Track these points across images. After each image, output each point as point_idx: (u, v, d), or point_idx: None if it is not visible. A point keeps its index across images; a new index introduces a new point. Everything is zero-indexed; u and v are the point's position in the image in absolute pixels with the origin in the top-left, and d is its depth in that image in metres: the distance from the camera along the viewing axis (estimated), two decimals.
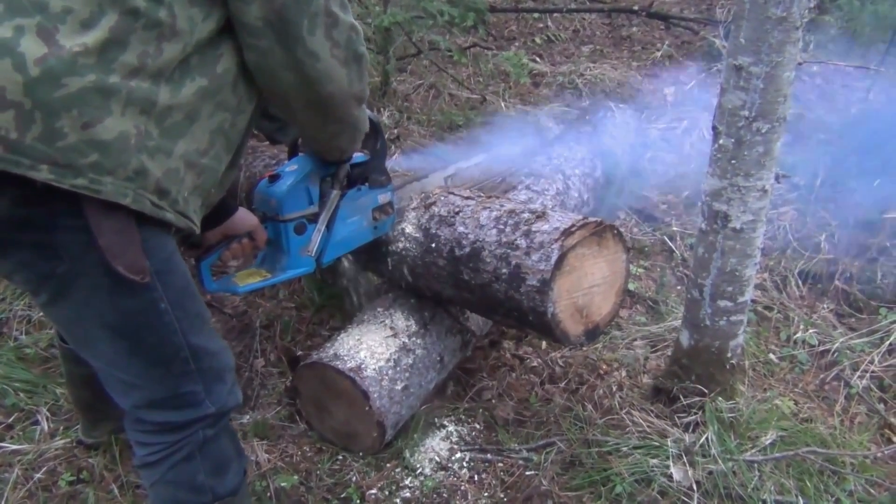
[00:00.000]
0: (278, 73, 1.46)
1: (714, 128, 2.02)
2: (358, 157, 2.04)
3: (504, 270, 2.03)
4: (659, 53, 5.50)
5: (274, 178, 1.92)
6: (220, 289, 1.90)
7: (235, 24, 1.40)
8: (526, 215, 2.10)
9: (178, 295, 1.44)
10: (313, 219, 1.97)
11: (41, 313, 2.61)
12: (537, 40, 5.63)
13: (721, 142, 2.00)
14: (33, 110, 1.16)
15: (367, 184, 2.09)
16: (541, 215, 2.08)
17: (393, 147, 3.97)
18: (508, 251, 2.04)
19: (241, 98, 1.48)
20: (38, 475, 2.11)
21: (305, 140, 1.89)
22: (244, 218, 1.83)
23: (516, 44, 5.55)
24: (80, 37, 1.19)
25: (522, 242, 2.03)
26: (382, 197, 2.16)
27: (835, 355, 2.70)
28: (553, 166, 3.21)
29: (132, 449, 1.61)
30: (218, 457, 1.60)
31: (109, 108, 1.22)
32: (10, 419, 2.32)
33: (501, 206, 2.19)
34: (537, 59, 5.39)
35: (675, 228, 3.47)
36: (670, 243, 3.39)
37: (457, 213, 2.21)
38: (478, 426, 2.40)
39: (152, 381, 1.48)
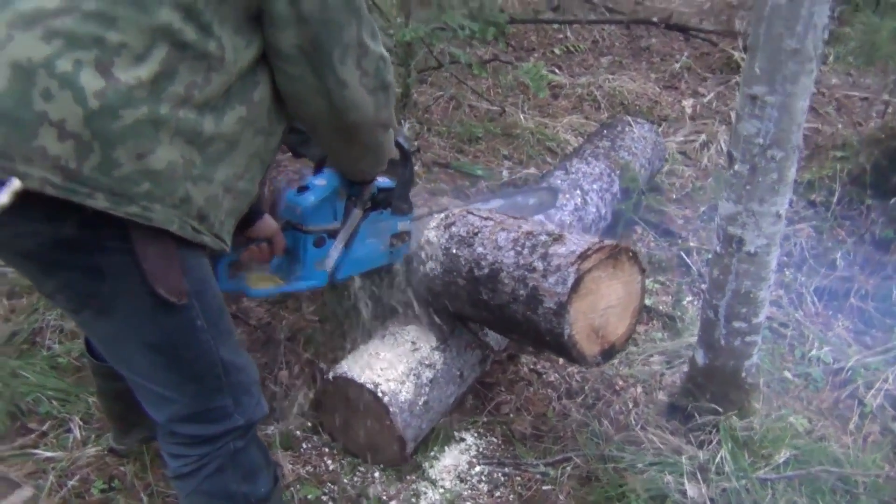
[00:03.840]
0: (308, 98, 1.52)
1: (729, 154, 2.07)
2: (385, 182, 2.09)
3: (522, 292, 2.09)
4: (678, 65, 5.54)
5: (302, 189, 1.97)
6: (232, 288, 1.92)
7: (269, 50, 1.45)
8: (543, 238, 2.16)
9: (212, 313, 1.50)
10: (333, 234, 2.01)
11: (73, 323, 2.69)
12: (556, 51, 5.68)
13: (736, 168, 2.05)
14: (91, 141, 1.22)
15: (389, 209, 2.14)
16: (557, 238, 2.13)
17: (414, 159, 4.04)
18: (526, 273, 2.10)
19: (273, 122, 1.54)
20: (71, 482, 2.18)
21: (331, 161, 1.94)
22: (267, 224, 1.89)
23: (535, 55, 5.60)
24: (134, 70, 1.25)
25: (540, 265, 2.08)
26: (402, 224, 2.21)
27: (849, 373, 2.73)
28: (571, 181, 3.26)
29: (164, 460, 1.68)
30: (248, 466, 1.66)
31: (160, 139, 1.28)
32: (44, 427, 2.39)
33: (519, 227, 2.25)
34: (556, 70, 5.43)
35: (692, 244, 3.51)
36: (687, 258, 3.43)
37: (475, 234, 2.27)
38: (496, 440, 2.46)
39: (186, 395, 1.54)
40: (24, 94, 1.20)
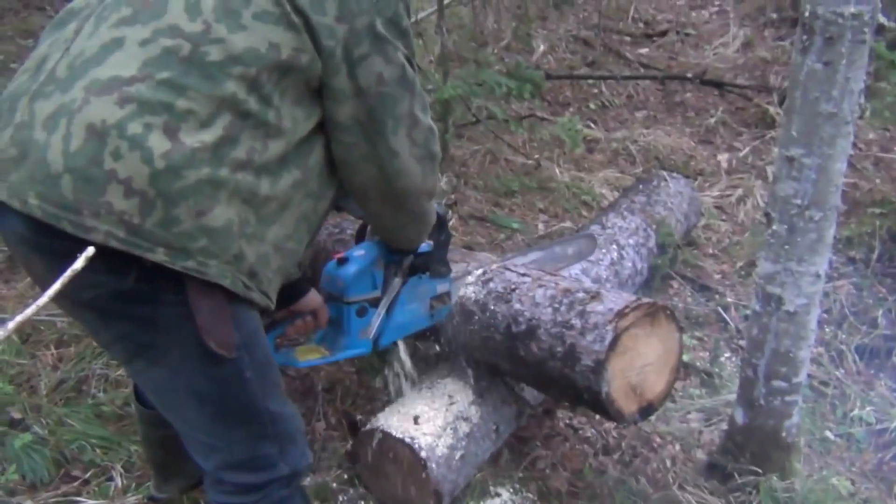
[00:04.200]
0: (360, 165, 1.59)
1: (767, 214, 2.09)
2: (423, 246, 2.14)
3: (559, 349, 2.11)
4: (713, 120, 5.55)
5: (342, 262, 2.03)
6: (280, 361, 1.98)
7: (327, 120, 1.53)
8: (581, 295, 2.18)
9: (260, 365, 1.55)
10: (375, 303, 2.06)
11: (118, 372, 2.75)
12: (591, 106, 5.74)
13: (774, 228, 2.06)
14: (155, 199, 1.29)
15: (427, 273, 2.17)
16: (595, 296, 2.15)
17: (450, 212, 4.10)
18: (563, 330, 2.11)
19: (323, 187, 1.60)
20: None
21: (376, 229, 2.00)
22: (312, 298, 1.95)
23: (571, 109, 5.66)
24: (198, 134, 1.33)
25: (577, 322, 2.10)
26: (441, 287, 2.24)
27: (893, 434, 2.68)
28: (607, 236, 3.28)
29: None
30: None
31: (218, 198, 1.35)
32: (87, 475, 2.43)
33: (556, 284, 2.27)
34: (591, 124, 5.49)
35: (729, 299, 3.49)
36: (724, 314, 3.41)
37: (513, 290, 2.30)
38: (531, 496, 2.44)
39: (233, 443, 1.57)
40: (96, 153, 1.28)
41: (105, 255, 1.29)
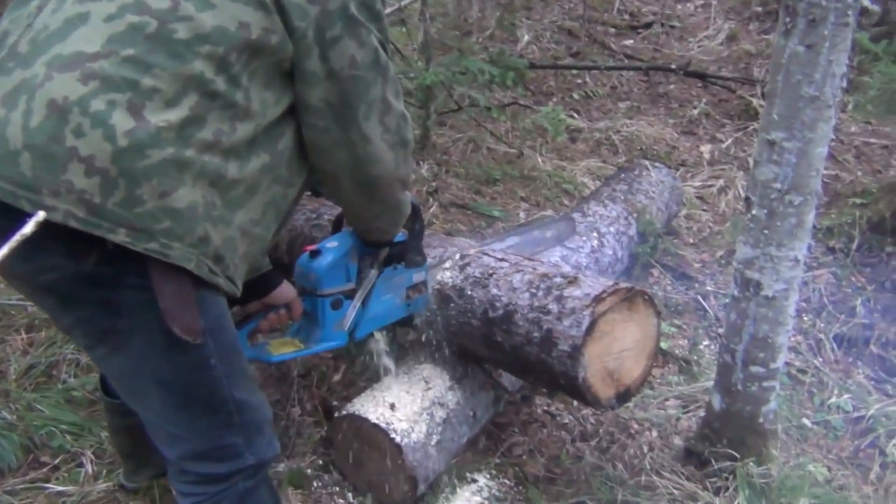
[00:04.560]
0: (332, 151, 1.57)
1: (747, 198, 2.07)
2: (398, 236, 2.11)
3: (536, 334, 2.08)
4: (696, 111, 5.55)
5: (315, 254, 2.00)
6: (254, 356, 1.96)
7: (299, 104, 1.51)
8: (558, 280, 2.16)
9: (226, 352, 1.51)
10: (349, 295, 2.04)
11: (89, 357, 2.70)
12: (575, 96, 5.72)
13: (754, 212, 2.05)
14: (118, 178, 1.25)
15: (403, 263, 2.15)
16: (572, 280, 2.13)
17: (431, 199, 4.07)
18: (540, 315, 2.09)
19: (293, 173, 1.58)
20: None
21: (350, 220, 1.97)
22: (285, 290, 1.91)
23: (554, 99, 5.65)
24: (163, 113, 1.29)
25: (554, 307, 2.08)
26: (417, 276, 2.22)
27: (870, 422, 2.69)
28: (588, 224, 3.26)
29: (174, 496, 1.68)
30: None
31: (183, 179, 1.31)
32: (57, 461, 2.39)
33: (534, 269, 2.25)
34: (574, 114, 5.47)
35: (708, 288, 3.49)
36: (703, 302, 3.40)
37: (490, 275, 2.27)
38: (508, 482, 2.43)
39: (198, 433, 1.54)
40: (56, 130, 1.24)
41: (65, 236, 1.26)
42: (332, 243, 2.03)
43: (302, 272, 2.01)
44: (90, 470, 2.36)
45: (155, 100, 1.29)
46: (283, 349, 1.99)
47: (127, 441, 2.14)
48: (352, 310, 2.03)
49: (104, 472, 2.36)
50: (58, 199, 1.24)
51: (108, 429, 2.22)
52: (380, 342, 2.49)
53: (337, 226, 2.18)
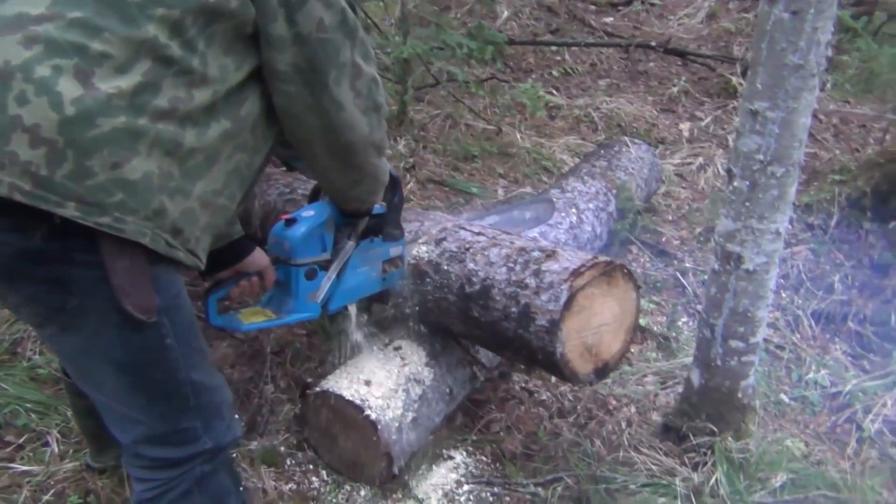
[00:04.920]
0: (304, 117, 1.51)
1: (729, 170, 2.04)
2: (375, 208, 2.06)
3: (513, 309, 2.04)
4: (675, 89, 5.53)
5: (290, 223, 1.94)
6: (223, 324, 1.90)
7: (266, 70, 1.44)
8: (536, 254, 2.12)
9: (183, 331, 1.45)
10: (325, 266, 1.98)
11: (39, 337, 2.63)
12: (554, 73, 5.68)
13: (736, 184, 2.01)
14: (66, 148, 1.18)
15: (380, 236, 2.10)
16: (551, 254, 2.09)
17: (408, 175, 4.01)
18: (518, 290, 2.05)
19: (258, 139, 1.51)
20: (46, 497, 2.12)
21: (327, 189, 1.91)
22: (258, 258, 1.85)
23: (533, 76, 5.60)
24: (114, 80, 1.22)
25: (532, 282, 2.04)
26: (394, 250, 2.17)
27: (847, 397, 2.69)
28: (566, 200, 3.23)
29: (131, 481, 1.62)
30: (216, 492, 1.60)
31: (137, 149, 1.25)
32: (21, 440, 2.33)
33: (512, 243, 2.21)
34: (554, 91, 5.43)
35: (687, 265, 3.47)
36: (682, 279, 3.39)
37: (467, 250, 2.23)
38: (485, 458, 2.40)
39: (153, 416, 1.48)
40: None
41: (10, 211, 1.18)
42: (308, 212, 1.97)
43: (276, 241, 1.95)
44: (56, 449, 2.30)
45: (105, 66, 1.22)
46: (254, 318, 1.93)
47: (91, 422, 2.08)
48: (326, 281, 1.97)
49: (70, 451, 2.30)
50: (2, 172, 1.16)
51: (72, 409, 2.15)
52: (354, 318, 2.45)
53: (314, 197, 2.12)
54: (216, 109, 1.37)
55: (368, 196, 1.88)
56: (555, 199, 3.14)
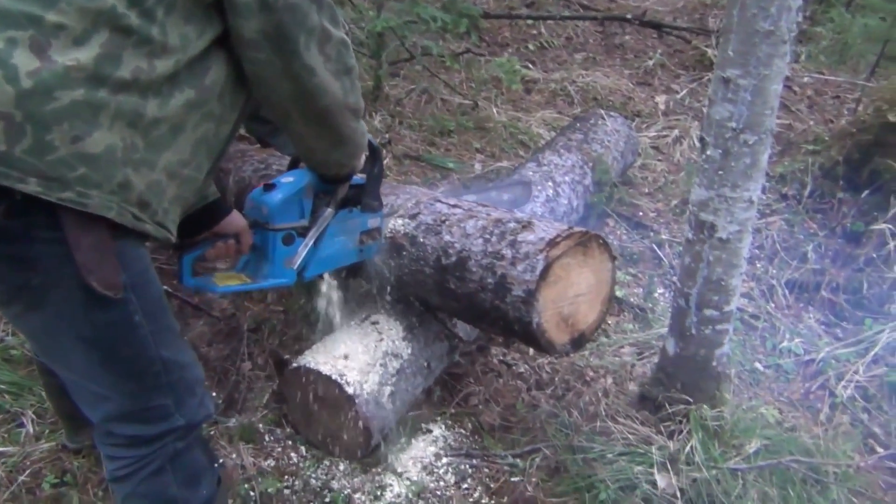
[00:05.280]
0: (276, 84, 1.49)
1: (702, 139, 2.04)
2: (355, 179, 2.04)
3: (490, 280, 2.04)
4: (651, 62, 5.54)
5: (269, 188, 1.92)
6: (197, 285, 1.88)
7: (234, 38, 1.41)
8: (512, 225, 2.11)
9: (151, 308, 1.44)
10: (302, 232, 1.97)
11: (4, 316, 2.59)
12: (530, 47, 5.66)
13: (708, 153, 2.02)
14: (24, 123, 1.16)
15: (359, 206, 2.09)
16: (526, 225, 2.09)
17: (385, 151, 3.99)
18: (494, 261, 2.05)
19: (225, 108, 1.49)
20: (22, 477, 2.10)
21: (305, 157, 1.88)
22: (234, 220, 1.83)
23: (509, 50, 5.57)
24: (72, 52, 1.20)
25: (508, 252, 2.04)
26: (372, 221, 2.16)
27: (820, 365, 2.72)
28: (543, 173, 3.22)
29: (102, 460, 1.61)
30: (190, 469, 1.60)
31: (98, 122, 1.22)
32: None
33: (488, 214, 2.20)
34: (530, 65, 5.41)
35: (663, 236, 3.49)
36: (658, 251, 3.40)
37: (443, 222, 2.22)
38: (464, 431, 2.41)
39: (124, 393, 1.47)
40: None
41: None
42: (287, 178, 1.95)
43: (254, 205, 1.92)
44: (31, 430, 2.28)
45: (61, 37, 1.19)
46: (229, 282, 1.91)
47: (65, 402, 2.05)
48: (303, 248, 1.96)
49: (46, 431, 2.29)
50: None
51: (45, 390, 2.13)
52: (331, 294, 2.44)
53: (293, 166, 2.10)
54: (179, 79, 1.35)
55: (348, 160, 1.85)
56: (531, 175, 3.13)
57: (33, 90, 1.16)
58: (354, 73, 1.59)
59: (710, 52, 5.47)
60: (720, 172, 2.01)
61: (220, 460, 1.73)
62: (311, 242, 1.97)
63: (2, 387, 2.39)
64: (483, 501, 2.14)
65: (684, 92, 5.19)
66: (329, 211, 2.00)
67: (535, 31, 5.87)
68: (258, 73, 1.46)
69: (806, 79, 5.39)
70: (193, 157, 1.43)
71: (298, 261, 1.96)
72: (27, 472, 2.12)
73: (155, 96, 1.30)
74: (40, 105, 1.17)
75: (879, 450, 2.40)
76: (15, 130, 1.15)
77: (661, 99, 5.11)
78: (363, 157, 1.90)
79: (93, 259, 1.28)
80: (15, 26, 1.16)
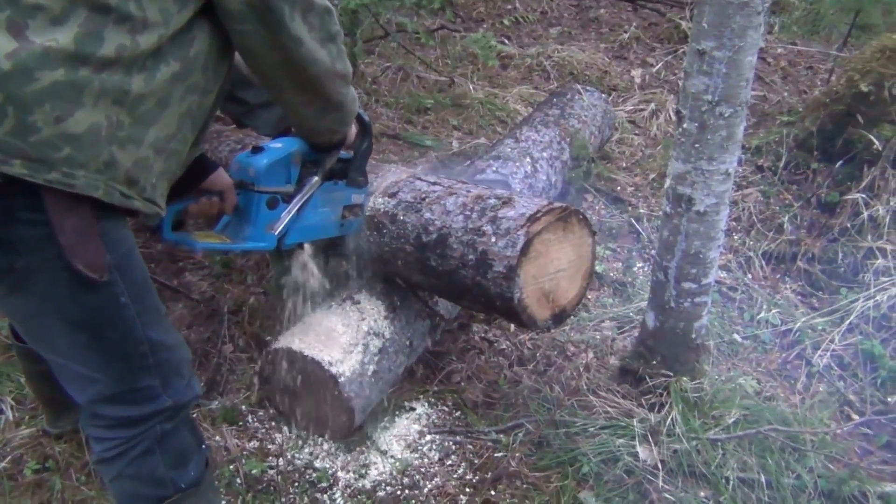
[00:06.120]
0: (264, 54, 1.49)
1: (678, 112, 2.05)
2: (343, 154, 2.03)
3: (471, 257, 2.04)
4: (626, 35, 5.53)
5: (257, 150, 1.90)
6: (177, 240, 1.85)
7: (219, 10, 1.41)
8: (492, 201, 2.11)
9: (137, 289, 1.43)
10: (286, 198, 1.95)
11: None
12: (505, 22, 5.63)
13: (685, 126, 2.03)
14: (5, 105, 1.15)
15: (345, 180, 2.08)
16: (507, 201, 2.09)
17: (371, 131, 3.95)
18: (475, 237, 2.05)
19: (209, 79, 1.48)
20: (2, 464, 2.09)
21: (296, 124, 1.87)
22: (220, 177, 1.81)
23: (484, 25, 5.54)
24: (51, 32, 1.18)
25: (489, 228, 2.04)
26: (356, 197, 2.15)
27: (797, 335, 2.76)
28: (521, 149, 3.22)
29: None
30: (178, 449, 1.59)
31: (81, 101, 1.21)
32: None
33: (468, 191, 2.20)
34: (505, 40, 5.39)
35: (642, 211, 3.50)
36: (637, 225, 3.42)
37: (423, 199, 2.21)
38: (447, 409, 2.42)
39: (110, 375, 1.46)
40: None
41: None
42: (276, 144, 1.94)
43: (240, 167, 1.90)
44: (11, 416, 2.27)
45: (38, 18, 1.18)
46: (209, 239, 1.88)
47: (45, 387, 2.05)
48: (286, 214, 1.95)
49: (26, 417, 2.27)
50: None
51: (25, 375, 2.11)
52: (312, 272, 2.43)
53: (283, 133, 2.08)
54: (163, 52, 1.34)
55: (339, 126, 1.85)
56: (512, 153, 3.12)
57: (12, 72, 1.14)
58: (339, 39, 1.59)
59: (684, 24, 5.47)
60: (696, 145, 2.02)
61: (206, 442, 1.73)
62: (294, 209, 1.96)
63: None
64: (467, 477, 2.15)
65: (660, 65, 5.19)
66: (316, 179, 1.99)
67: (509, 6, 5.85)
68: (246, 44, 1.47)
69: (779, 50, 5.42)
70: (179, 130, 1.43)
71: (280, 227, 1.95)
72: (7, 458, 2.11)
73: (140, 71, 1.29)
74: (20, 86, 1.15)
75: (855, 417, 2.45)
76: None
77: (636, 73, 5.11)
78: (353, 127, 1.89)
79: (77, 241, 1.27)
80: None
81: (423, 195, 2.25)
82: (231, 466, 2.12)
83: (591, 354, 2.61)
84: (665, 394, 2.26)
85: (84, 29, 1.21)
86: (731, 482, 2.04)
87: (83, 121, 1.22)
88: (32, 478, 2.06)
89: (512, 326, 2.77)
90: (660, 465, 2.08)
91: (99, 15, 1.23)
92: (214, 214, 1.87)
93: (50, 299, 1.34)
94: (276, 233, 1.94)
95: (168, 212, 1.74)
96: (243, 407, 2.36)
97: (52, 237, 1.25)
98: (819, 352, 2.66)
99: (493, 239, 2.02)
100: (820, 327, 2.77)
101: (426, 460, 2.21)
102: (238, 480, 2.09)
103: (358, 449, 2.23)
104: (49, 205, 1.23)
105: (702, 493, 2.06)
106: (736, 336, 2.76)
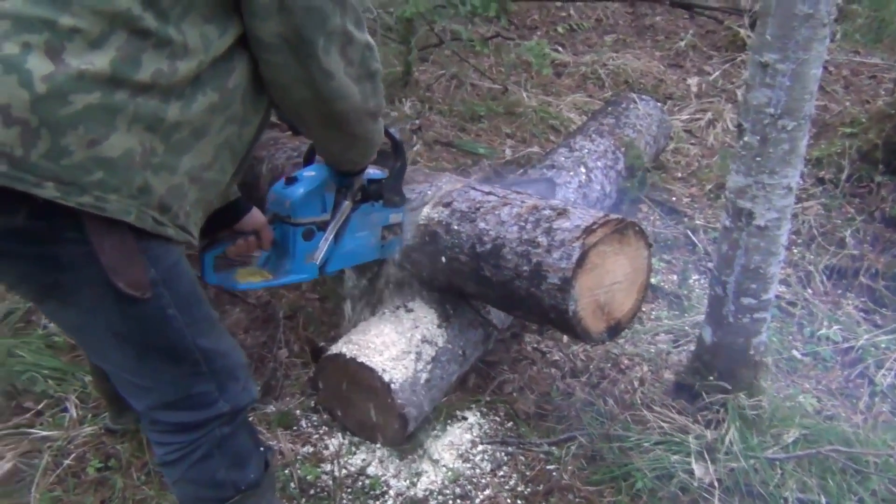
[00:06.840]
0: (293, 88, 1.46)
1: (739, 125, 2.02)
2: (376, 173, 2.04)
3: (525, 268, 2.04)
4: (682, 43, 5.46)
5: (291, 181, 1.92)
6: (219, 282, 1.89)
7: (251, 39, 1.39)
8: (547, 212, 2.11)
9: (184, 301, 1.44)
10: (323, 227, 1.97)
11: (42, 312, 2.64)
12: (559, 29, 5.61)
13: (746, 139, 1.99)
14: (39, 127, 1.16)
15: (381, 201, 2.09)
16: (562, 212, 2.08)
17: (415, 137, 3.99)
18: (529, 248, 2.05)
19: (248, 110, 1.47)
20: (67, 461, 2.15)
21: (319, 151, 1.88)
22: (254, 218, 1.84)
23: (538, 33, 5.53)
24: (88, 56, 1.19)
25: (543, 240, 2.03)
26: (394, 217, 2.16)
27: (859, 352, 2.69)
28: (575, 158, 3.20)
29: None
30: (237, 452, 1.62)
31: (115, 125, 1.22)
32: (40, 406, 2.35)
33: (523, 202, 2.20)
34: (559, 48, 5.37)
35: (698, 222, 3.45)
36: (693, 237, 3.37)
37: (477, 209, 2.22)
38: (499, 419, 2.42)
39: (163, 383, 1.49)
40: None
41: None
42: (309, 172, 1.95)
43: (276, 199, 1.93)
44: (74, 414, 2.33)
45: (76, 41, 1.18)
46: (251, 278, 1.92)
47: (109, 385, 2.09)
48: (324, 242, 1.96)
49: (89, 416, 2.33)
50: None
51: (91, 372, 2.17)
52: (356, 280, 2.45)
53: (309, 156, 2.10)
54: (202, 81, 1.33)
55: (361, 158, 1.85)
56: (554, 181, 3.10)
57: (48, 94, 1.15)
58: (378, 76, 1.57)
59: (742, 32, 5.38)
60: (758, 159, 1.99)
61: (266, 445, 1.76)
62: (331, 236, 1.98)
63: (45, 372, 2.44)
64: (519, 489, 2.15)
65: (717, 73, 5.12)
66: (346, 203, 2.00)
67: (564, 14, 5.82)
68: (274, 76, 1.44)
69: (841, 58, 5.29)
70: (216, 160, 1.43)
71: (320, 255, 1.97)
72: (72, 456, 2.17)
73: (177, 99, 1.29)
74: (55, 109, 1.16)
75: None
76: (31, 135, 1.15)
77: (693, 81, 5.04)
78: (376, 151, 1.90)
79: (117, 260, 1.28)
80: (29, 30, 1.16)
81: (478, 205, 2.25)
82: (286, 471, 2.15)
83: (645, 368, 2.58)
84: (722, 410, 2.22)
85: (122, 53, 1.21)
86: (790, 503, 2.00)
87: (117, 145, 1.22)
88: (95, 476, 2.12)
89: (564, 337, 2.75)
90: (716, 484, 2.04)
91: (138, 39, 1.23)
92: (253, 252, 1.90)
93: (98, 314, 1.36)
94: (317, 262, 1.96)
95: (207, 257, 1.78)
96: (298, 412, 2.39)
97: (94, 255, 1.26)
98: (882, 371, 2.59)
99: (548, 250, 2.01)
100: (883, 345, 2.70)
101: (478, 470, 2.21)
102: (292, 485, 2.11)
103: (410, 457, 2.24)
104: (88, 225, 1.25)
105: None
106: (795, 353, 2.70)
